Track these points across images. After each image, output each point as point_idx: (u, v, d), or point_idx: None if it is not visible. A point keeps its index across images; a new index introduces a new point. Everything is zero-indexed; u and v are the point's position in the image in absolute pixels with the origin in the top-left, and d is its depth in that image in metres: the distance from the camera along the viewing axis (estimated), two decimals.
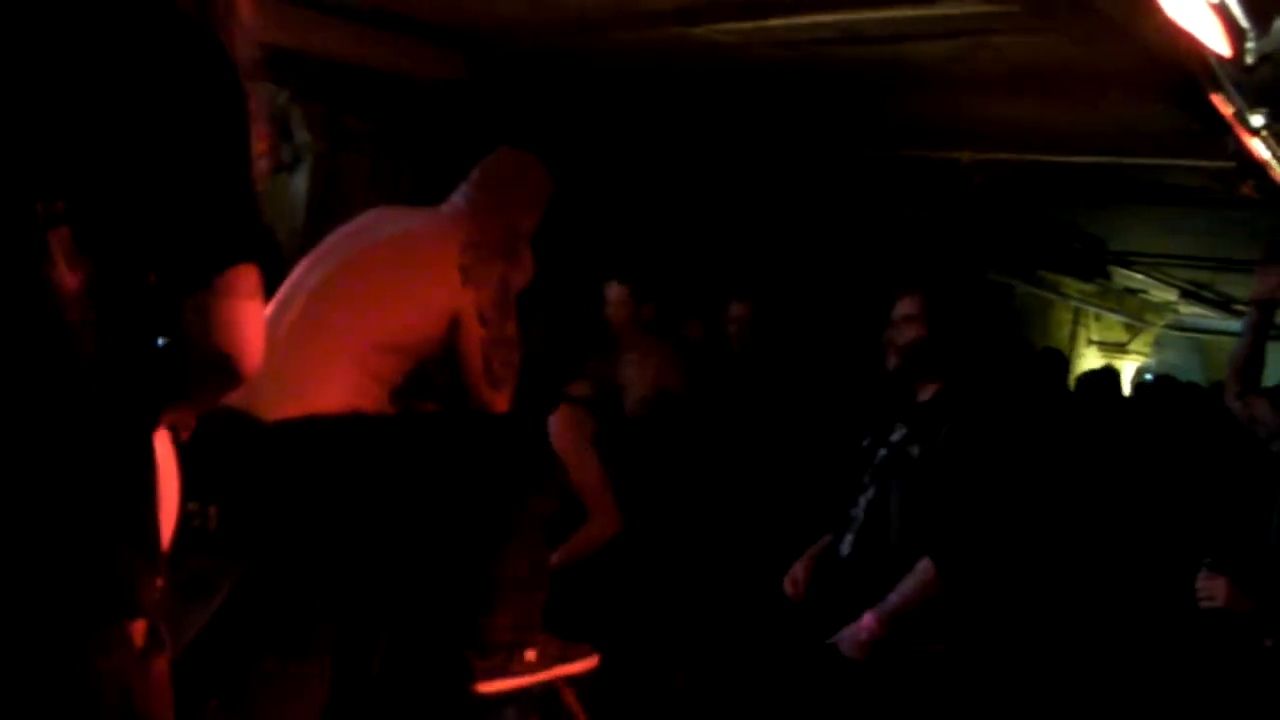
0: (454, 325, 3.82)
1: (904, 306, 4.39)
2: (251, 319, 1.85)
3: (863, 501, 4.29)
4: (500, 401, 3.99)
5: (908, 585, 4.00)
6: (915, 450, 4.20)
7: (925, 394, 4.36)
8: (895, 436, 4.32)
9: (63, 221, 1.68)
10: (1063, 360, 9.47)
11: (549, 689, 4.27)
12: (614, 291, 5.95)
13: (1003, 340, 9.12)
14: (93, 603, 1.72)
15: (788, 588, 4.45)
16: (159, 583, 1.86)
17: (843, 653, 4.05)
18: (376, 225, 4.01)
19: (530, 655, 4.23)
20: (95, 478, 1.73)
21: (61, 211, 1.68)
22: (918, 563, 4.02)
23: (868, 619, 4.01)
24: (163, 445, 1.98)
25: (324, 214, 6.65)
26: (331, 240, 3.99)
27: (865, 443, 4.47)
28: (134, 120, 1.71)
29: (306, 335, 3.64)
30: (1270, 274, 4.45)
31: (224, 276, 1.79)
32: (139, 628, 1.78)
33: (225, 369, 1.86)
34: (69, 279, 1.69)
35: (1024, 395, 7.12)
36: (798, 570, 4.46)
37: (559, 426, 4.96)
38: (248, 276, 1.82)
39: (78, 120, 1.69)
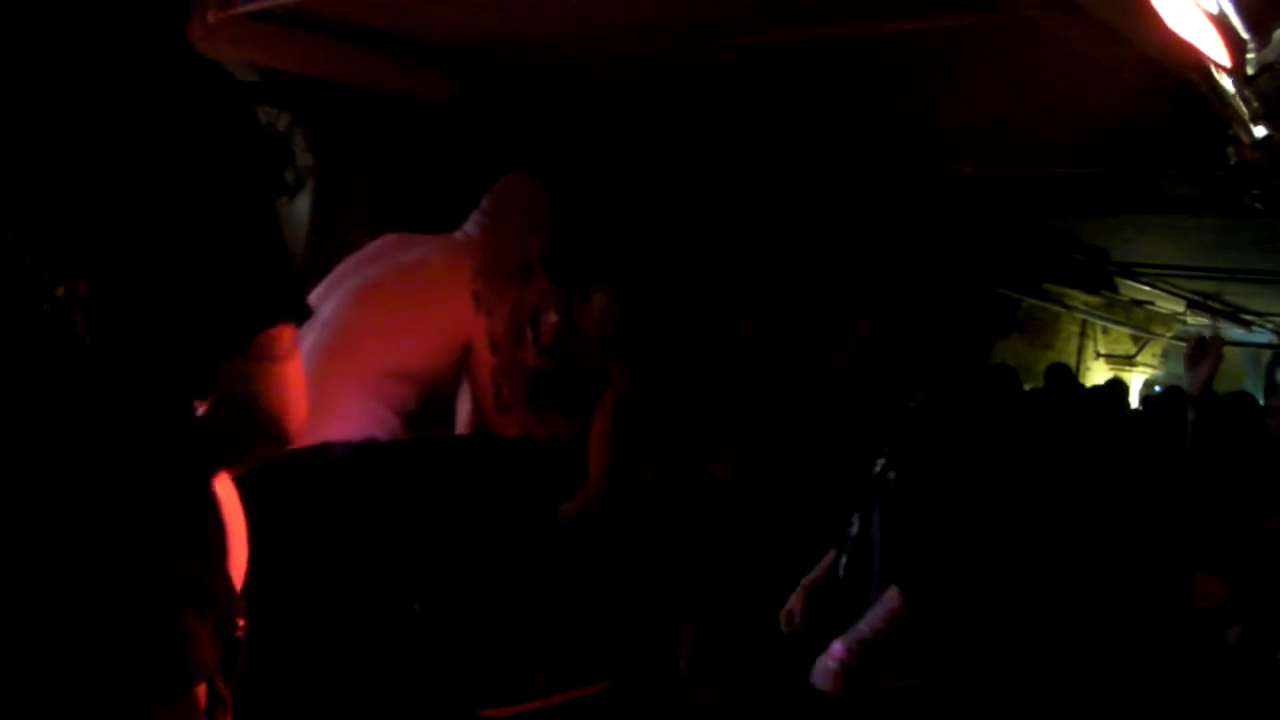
0: (466, 352, 3.82)
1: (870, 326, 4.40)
2: (292, 381, 1.81)
3: (855, 522, 4.26)
4: (509, 426, 3.99)
5: (875, 613, 3.87)
6: (891, 474, 4.15)
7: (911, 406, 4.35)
8: (880, 462, 4.30)
9: (86, 303, 1.63)
10: (1069, 375, 9.45)
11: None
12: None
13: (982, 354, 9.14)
14: (157, 676, 1.69)
15: (784, 624, 4.39)
16: (241, 622, 1.87)
17: (814, 684, 3.96)
18: (389, 253, 4.00)
19: (540, 679, 4.23)
20: (154, 546, 1.71)
21: (83, 294, 1.63)
22: (887, 590, 3.94)
23: (836, 647, 3.90)
24: (225, 488, 1.96)
25: (326, 236, 6.66)
26: (344, 267, 3.98)
27: (878, 466, 4.45)
28: (159, 191, 1.66)
29: (319, 363, 3.64)
30: (1201, 368, 4.49)
31: (260, 340, 1.74)
32: (201, 690, 1.76)
33: (270, 433, 1.82)
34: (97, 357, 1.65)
35: (1002, 412, 7.10)
36: (794, 605, 4.40)
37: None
38: (284, 338, 1.78)
39: (100, 196, 1.63)
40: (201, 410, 1.79)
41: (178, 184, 1.66)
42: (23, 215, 1.61)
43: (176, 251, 1.66)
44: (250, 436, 1.83)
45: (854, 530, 4.22)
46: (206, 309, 1.70)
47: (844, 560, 4.24)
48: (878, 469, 4.17)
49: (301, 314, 1.81)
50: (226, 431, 1.80)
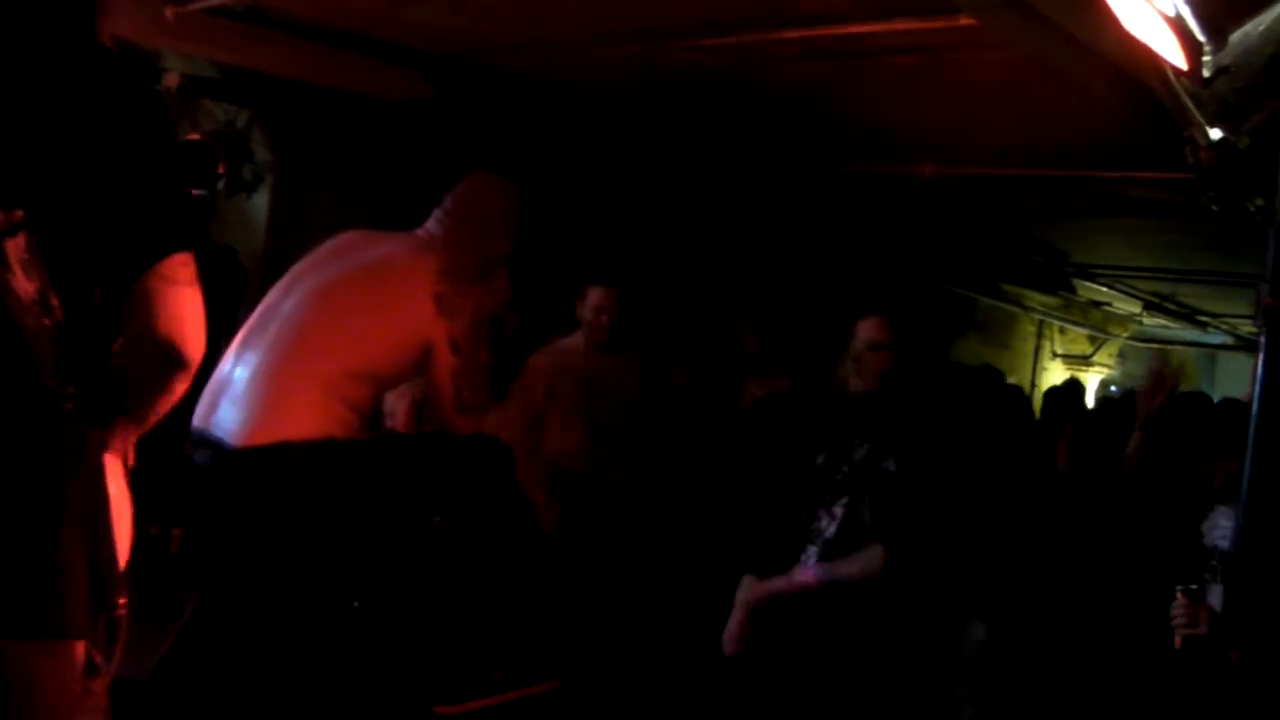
0: (426, 354, 3.80)
1: (872, 333, 4.42)
2: (191, 304, 2.01)
3: (828, 517, 4.29)
4: (468, 427, 3.97)
5: (856, 560, 4.09)
6: (891, 465, 4.20)
7: (878, 407, 4.38)
8: (859, 455, 4.33)
9: (20, 230, 1.83)
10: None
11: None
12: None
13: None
14: (43, 616, 1.78)
15: (726, 647, 4.41)
16: (120, 602, 1.94)
17: (771, 586, 4.19)
18: (350, 251, 3.97)
19: (495, 676, 4.22)
20: (52, 491, 1.80)
21: (20, 221, 1.83)
22: (872, 546, 4.08)
23: (809, 570, 4.15)
24: (114, 467, 2.00)
25: (285, 233, 6.65)
26: (305, 264, 3.95)
27: (820, 460, 4.47)
28: (75, 135, 1.90)
29: (279, 361, 3.62)
30: (1155, 399, 4.67)
31: (162, 264, 1.96)
32: (79, 649, 1.85)
33: (170, 356, 1.99)
34: (24, 285, 1.83)
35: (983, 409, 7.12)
36: (734, 628, 4.41)
37: None
38: (184, 265, 2.00)
39: (31, 137, 1.86)
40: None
41: (90, 131, 1.93)
42: None
43: (88, 185, 1.90)
44: (151, 359, 2.00)
45: (823, 525, 4.26)
46: (116, 236, 1.94)
47: (813, 550, 4.27)
48: (858, 460, 4.26)
49: (195, 244, 2.04)
50: (130, 366, 1.99)
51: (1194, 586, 4.03)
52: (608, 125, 6.94)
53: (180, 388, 2.06)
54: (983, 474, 4.56)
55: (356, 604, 3.85)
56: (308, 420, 3.57)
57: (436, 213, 4.11)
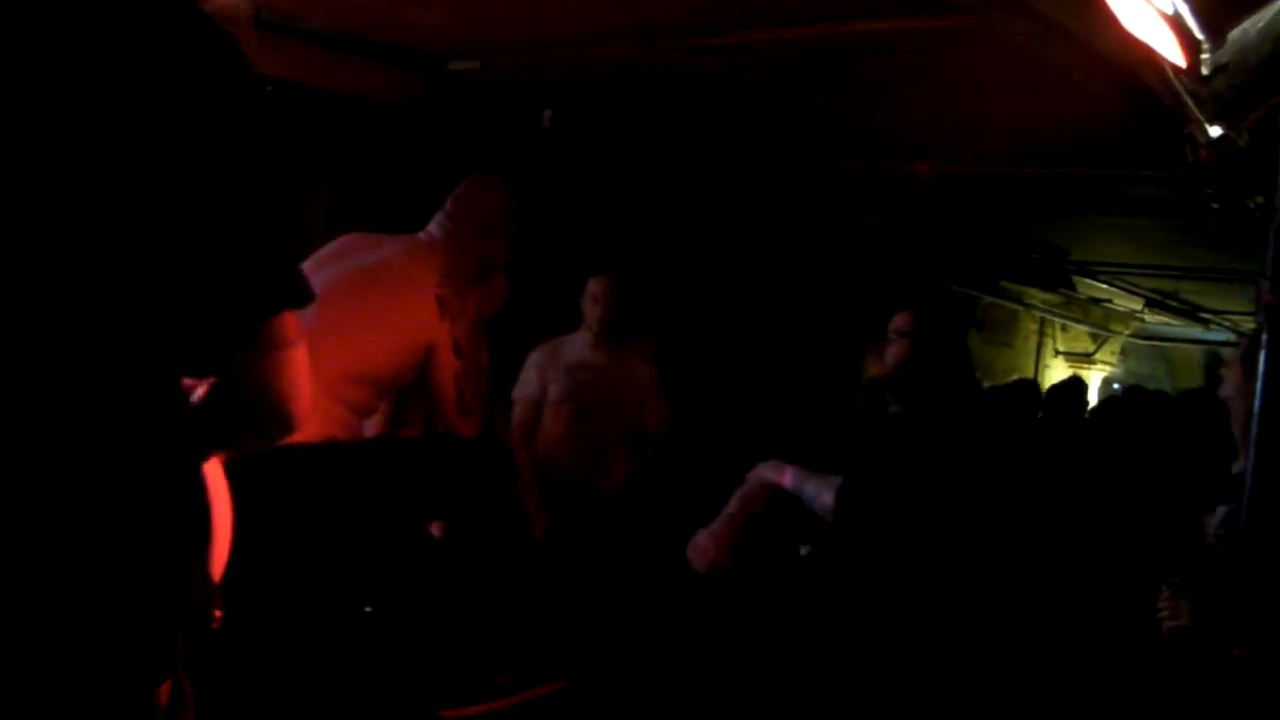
0: (429, 356, 3.80)
1: (899, 322, 4.42)
2: (299, 368, 1.78)
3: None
4: (469, 427, 3.98)
5: (823, 484, 4.15)
6: (889, 448, 4.21)
7: (895, 406, 4.38)
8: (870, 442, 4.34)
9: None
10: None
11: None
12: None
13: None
14: (126, 674, 1.59)
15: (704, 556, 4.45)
16: (217, 614, 1.81)
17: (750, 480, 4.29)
18: (351, 253, 3.97)
19: (500, 679, 4.22)
20: (142, 534, 1.61)
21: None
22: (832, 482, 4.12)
23: (789, 474, 4.25)
24: (214, 472, 1.93)
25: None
26: (306, 266, 3.94)
27: (836, 449, 4.49)
28: (175, 176, 1.55)
29: None
30: None
31: (268, 328, 1.70)
32: (164, 688, 1.67)
33: (279, 420, 1.80)
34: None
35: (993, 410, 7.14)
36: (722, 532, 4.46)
37: None
38: (290, 325, 1.74)
39: (126, 180, 1.52)
40: (198, 394, 1.74)
41: (192, 168, 1.57)
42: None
43: (183, 239, 1.57)
44: (258, 424, 1.80)
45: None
46: (216, 297, 1.62)
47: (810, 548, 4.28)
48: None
49: (304, 299, 1.75)
50: (228, 419, 1.77)
51: (1174, 579, 4.04)
52: (607, 125, 6.94)
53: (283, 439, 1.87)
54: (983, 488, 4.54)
55: (368, 608, 3.86)
56: (310, 422, 3.57)
57: (437, 215, 4.12)
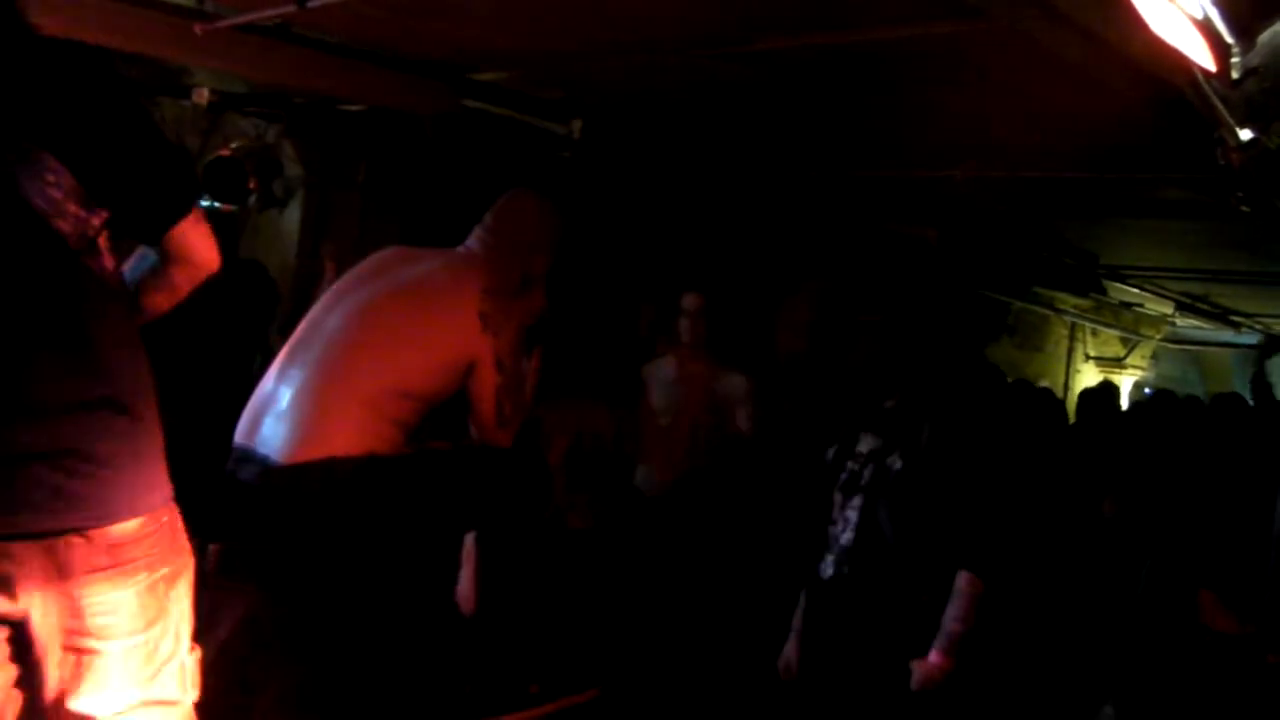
0: (470, 371, 3.80)
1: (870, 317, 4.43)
2: (211, 232, 2.69)
3: (843, 521, 4.27)
4: (507, 441, 3.98)
5: (959, 607, 3.98)
6: (897, 463, 4.18)
7: (889, 402, 4.36)
8: (863, 446, 4.31)
9: (105, 227, 2.43)
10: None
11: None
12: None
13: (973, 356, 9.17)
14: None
15: (782, 673, 4.43)
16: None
17: (914, 686, 4.02)
18: (394, 268, 3.97)
19: (533, 689, 4.23)
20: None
21: (104, 223, 2.42)
22: (956, 581, 4.00)
23: (935, 657, 3.98)
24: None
25: (316, 247, 6.67)
26: (348, 280, 3.95)
27: (830, 454, 4.47)
28: (108, 132, 2.42)
29: (324, 379, 3.63)
30: None
31: (194, 209, 2.64)
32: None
33: (209, 269, 2.70)
34: (109, 262, 2.48)
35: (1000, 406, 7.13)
36: (791, 654, 4.44)
37: None
38: (199, 206, 2.67)
39: (98, 148, 2.39)
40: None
41: (114, 122, 2.45)
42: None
43: (137, 176, 2.49)
44: (191, 276, 2.69)
45: (840, 531, 4.25)
46: (156, 197, 2.57)
47: (830, 559, 4.26)
48: (863, 454, 4.24)
49: (196, 200, 2.72)
50: (173, 276, 2.66)
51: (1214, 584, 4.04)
52: (635, 135, 6.95)
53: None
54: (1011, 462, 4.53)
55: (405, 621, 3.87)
56: (354, 437, 3.58)
57: (477, 230, 4.10)
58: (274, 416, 3.61)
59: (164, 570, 2.47)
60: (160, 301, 2.68)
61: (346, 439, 3.55)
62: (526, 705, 4.27)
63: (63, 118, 2.34)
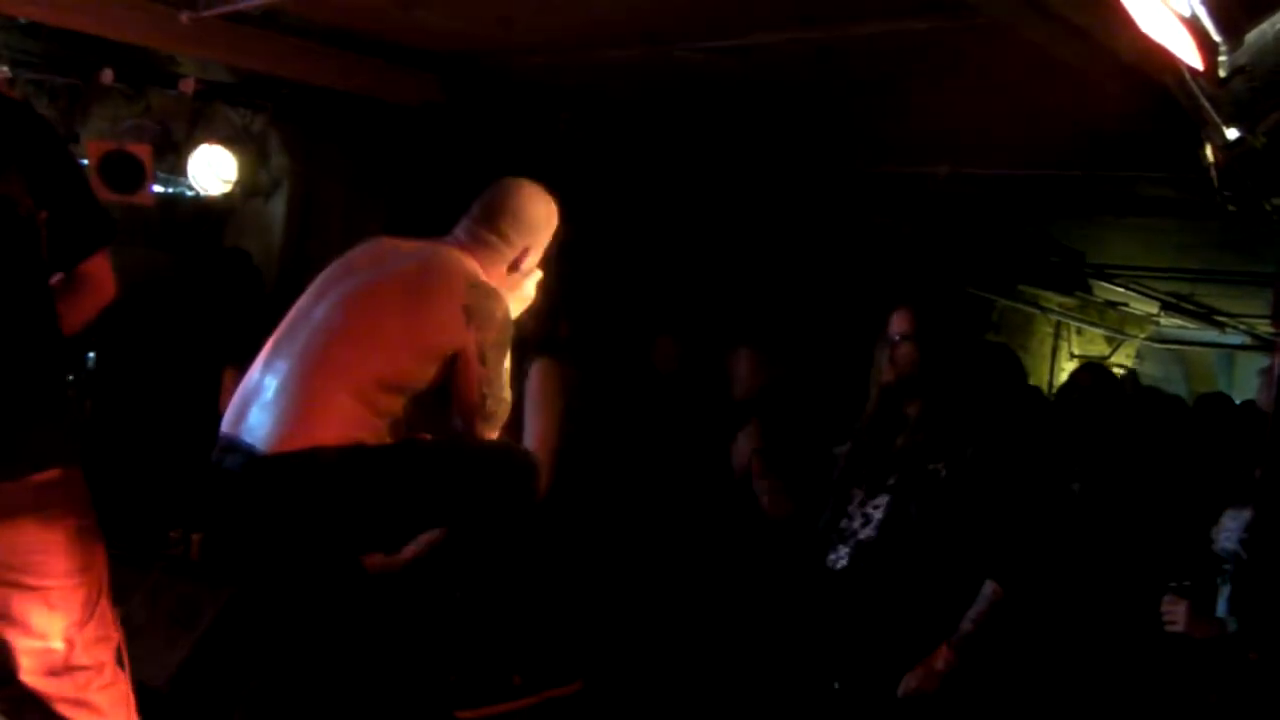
0: (454, 363, 3.77)
1: (898, 324, 4.37)
2: (106, 270, 3.24)
3: (862, 517, 4.27)
4: (490, 434, 3.96)
5: (978, 611, 4.00)
6: (943, 470, 4.17)
7: (911, 408, 4.35)
8: (899, 445, 4.31)
9: (43, 226, 2.96)
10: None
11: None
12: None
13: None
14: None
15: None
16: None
17: (914, 685, 4.02)
18: (381, 258, 3.93)
19: (516, 679, 4.22)
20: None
21: (45, 220, 2.97)
22: (983, 588, 4.01)
23: (945, 652, 3.99)
24: None
25: (302, 236, 6.66)
26: (335, 270, 3.92)
27: (842, 449, 4.46)
28: (48, 159, 3.03)
29: (310, 369, 3.60)
30: None
31: (105, 247, 3.19)
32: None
33: (111, 297, 3.23)
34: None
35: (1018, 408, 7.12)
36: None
37: (537, 376, 4.92)
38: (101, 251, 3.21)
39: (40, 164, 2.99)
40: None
41: (49, 156, 3.09)
42: None
43: (67, 197, 3.09)
44: (98, 304, 3.23)
45: (860, 525, 4.25)
46: (81, 227, 3.15)
47: (844, 550, 4.25)
48: (899, 454, 4.25)
49: (111, 237, 3.27)
50: (77, 293, 3.17)
51: (1186, 583, 4.05)
52: (619, 127, 6.95)
53: None
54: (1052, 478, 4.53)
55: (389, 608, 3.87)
56: (339, 427, 3.56)
57: (464, 219, 4.04)
58: (260, 406, 3.59)
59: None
60: (72, 322, 3.18)
61: (332, 429, 3.53)
62: (510, 696, 4.27)
63: (21, 150, 2.95)
